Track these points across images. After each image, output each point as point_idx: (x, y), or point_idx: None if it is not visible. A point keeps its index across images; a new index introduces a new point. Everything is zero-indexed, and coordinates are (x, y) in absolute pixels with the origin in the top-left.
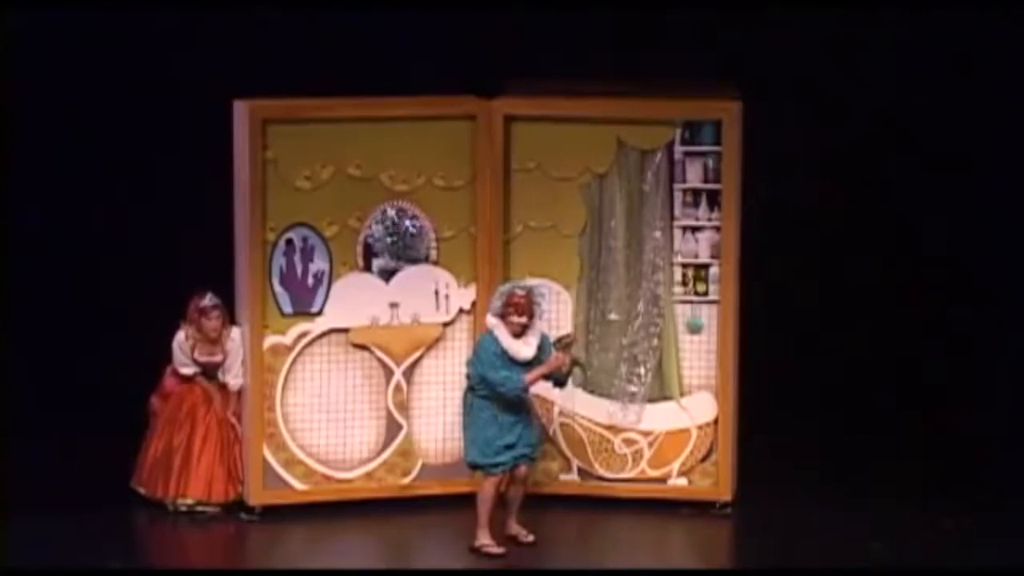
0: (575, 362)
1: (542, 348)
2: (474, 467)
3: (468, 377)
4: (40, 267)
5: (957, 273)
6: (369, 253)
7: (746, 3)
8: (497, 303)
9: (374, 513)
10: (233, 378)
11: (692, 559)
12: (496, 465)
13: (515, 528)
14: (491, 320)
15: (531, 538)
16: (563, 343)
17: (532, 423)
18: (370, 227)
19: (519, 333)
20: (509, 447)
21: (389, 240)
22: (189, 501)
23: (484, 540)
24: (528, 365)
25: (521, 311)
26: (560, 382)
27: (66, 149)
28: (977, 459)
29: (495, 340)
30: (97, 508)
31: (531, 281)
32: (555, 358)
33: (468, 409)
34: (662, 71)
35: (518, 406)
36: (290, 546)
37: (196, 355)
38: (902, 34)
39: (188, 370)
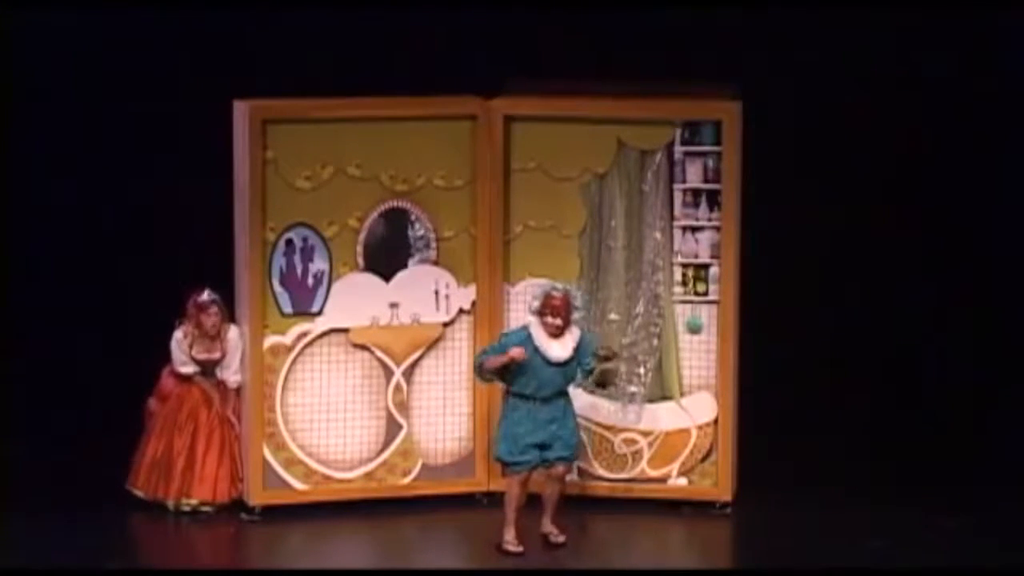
0: (606, 375)
1: (580, 350)
2: (498, 462)
3: None
4: (40, 267)
5: (957, 272)
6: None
7: (746, 3)
8: (536, 303)
9: (374, 513)
10: (232, 375)
11: (692, 559)
12: (518, 464)
13: (548, 527)
14: (531, 319)
15: (562, 539)
16: (602, 356)
17: (570, 424)
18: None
19: (555, 334)
20: (537, 446)
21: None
22: (193, 502)
23: (506, 537)
24: (562, 366)
25: (556, 312)
26: (601, 384)
27: (65, 148)
28: (977, 459)
29: (523, 336)
30: (97, 508)
31: (542, 281)
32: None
33: (504, 406)
34: (662, 71)
35: (554, 405)
36: (290, 546)
37: (194, 352)
38: (902, 33)
39: (187, 369)
